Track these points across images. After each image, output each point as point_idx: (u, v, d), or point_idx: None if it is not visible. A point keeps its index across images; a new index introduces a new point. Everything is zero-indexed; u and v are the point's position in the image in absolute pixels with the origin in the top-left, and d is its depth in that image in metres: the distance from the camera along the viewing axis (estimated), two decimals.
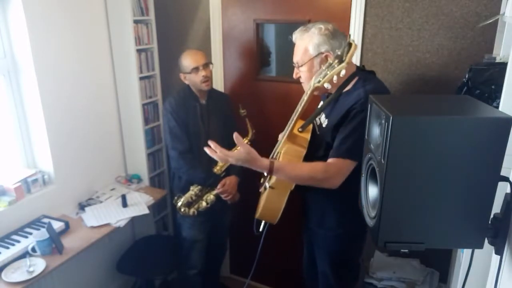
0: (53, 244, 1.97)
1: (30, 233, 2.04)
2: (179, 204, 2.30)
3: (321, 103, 1.85)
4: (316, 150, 1.67)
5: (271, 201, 1.66)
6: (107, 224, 2.25)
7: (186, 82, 2.27)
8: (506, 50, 1.65)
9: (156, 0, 2.61)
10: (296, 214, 1.86)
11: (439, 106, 1.05)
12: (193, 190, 2.29)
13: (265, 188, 1.71)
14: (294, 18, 2.34)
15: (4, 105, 2.12)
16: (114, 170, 2.75)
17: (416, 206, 0.95)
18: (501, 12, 1.81)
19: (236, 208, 2.54)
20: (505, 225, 0.95)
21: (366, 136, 1.16)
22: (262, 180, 1.84)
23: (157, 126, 2.79)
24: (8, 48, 2.08)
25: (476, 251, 1.06)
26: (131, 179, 2.73)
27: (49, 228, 1.98)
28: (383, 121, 0.95)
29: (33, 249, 1.94)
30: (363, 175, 1.18)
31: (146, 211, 2.42)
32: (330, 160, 1.56)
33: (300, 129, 1.68)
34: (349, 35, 1.49)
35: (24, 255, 1.93)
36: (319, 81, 1.48)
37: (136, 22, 2.47)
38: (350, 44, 1.45)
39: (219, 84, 2.66)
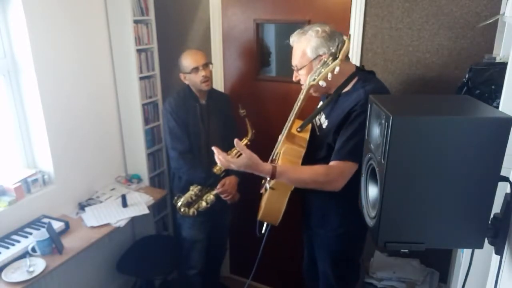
0: (53, 244, 1.97)
1: (30, 233, 2.04)
2: (179, 204, 2.30)
3: (321, 103, 1.85)
4: (316, 151, 1.67)
5: (272, 202, 1.66)
6: (107, 224, 2.25)
7: (186, 82, 2.27)
8: (506, 50, 1.65)
9: (156, 0, 2.61)
10: (296, 214, 1.85)
11: (439, 106, 1.05)
12: (193, 190, 2.29)
13: (265, 189, 1.71)
14: (294, 18, 2.34)
15: (4, 105, 2.12)
16: (114, 170, 2.75)
17: (416, 206, 0.95)
18: (501, 12, 1.81)
19: (236, 208, 2.53)
20: (505, 225, 0.95)
21: (366, 136, 1.16)
22: (263, 181, 1.84)
23: (157, 126, 2.79)
24: (8, 48, 2.08)
25: (476, 251, 1.06)
26: (131, 179, 2.73)
27: (49, 228, 1.98)
28: (383, 121, 0.95)
29: (33, 249, 1.94)
30: (363, 175, 1.18)
31: (146, 211, 2.42)
32: (332, 162, 1.56)
33: (298, 129, 1.68)
34: (349, 36, 1.49)
35: (24, 255, 1.93)
36: (314, 79, 1.48)
37: (136, 22, 2.47)
38: (344, 41, 1.45)
39: (219, 84, 2.66)
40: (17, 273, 1.83)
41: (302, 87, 1.70)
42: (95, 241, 2.13)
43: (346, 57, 1.56)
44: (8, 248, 1.93)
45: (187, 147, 2.26)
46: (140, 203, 2.47)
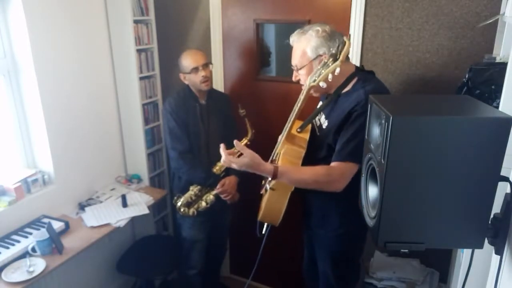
0: (53, 244, 1.97)
1: (30, 233, 2.04)
2: (179, 204, 2.30)
3: (320, 103, 1.85)
4: (316, 151, 1.67)
5: (272, 203, 1.66)
6: (107, 224, 2.25)
7: (186, 82, 2.27)
8: (506, 50, 1.65)
9: (156, 0, 2.61)
10: (296, 214, 1.85)
11: (439, 106, 1.05)
12: (193, 190, 2.29)
13: (265, 190, 1.71)
14: (294, 18, 2.34)
15: (4, 105, 2.12)
16: (114, 170, 2.75)
17: (416, 206, 0.95)
18: (501, 12, 1.81)
19: (236, 208, 2.53)
20: (505, 225, 0.95)
21: (366, 136, 1.16)
22: (263, 182, 1.84)
23: (157, 126, 2.79)
24: (8, 48, 2.08)
25: (476, 251, 1.06)
26: (131, 179, 2.73)
27: (49, 228, 1.98)
28: (383, 121, 0.95)
29: (33, 249, 1.94)
30: (363, 175, 1.18)
31: (146, 211, 2.42)
32: (333, 163, 1.56)
33: (298, 130, 1.68)
34: (349, 35, 1.49)
35: (24, 255, 1.93)
36: (314, 80, 1.48)
37: (136, 22, 2.47)
38: (345, 42, 1.45)
39: (219, 84, 2.66)
40: (17, 273, 1.83)
41: (302, 87, 1.69)
42: (95, 241, 2.13)
43: (346, 58, 1.56)
44: (8, 248, 1.93)
45: (187, 147, 2.26)
46: (140, 203, 2.47)
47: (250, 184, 2.01)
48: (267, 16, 2.43)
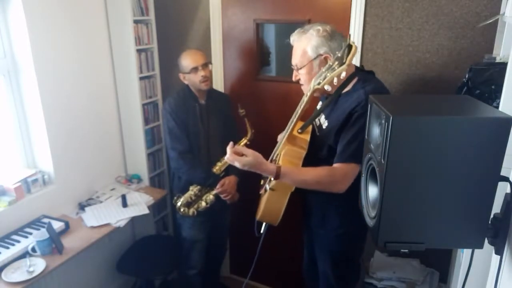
0: (53, 244, 1.97)
1: (30, 233, 2.04)
2: (179, 204, 2.30)
3: (320, 103, 1.84)
4: (316, 152, 1.67)
5: (272, 203, 1.66)
6: (107, 224, 2.25)
7: (186, 82, 2.27)
8: (506, 50, 1.65)
9: (156, 0, 2.61)
10: (296, 214, 1.85)
11: (439, 106, 1.05)
12: (193, 190, 2.29)
13: (265, 190, 1.71)
14: (294, 18, 2.34)
15: (4, 105, 2.12)
16: (114, 170, 2.75)
17: (416, 206, 0.95)
18: (501, 12, 1.81)
19: (236, 208, 2.53)
20: (505, 225, 0.95)
21: (366, 136, 1.16)
22: (262, 182, 1.84)
23: (157, 126, 2.79)
24: (8, 48, 2.08)
25: (476, 251, 1.06)
26: (131, 179, 2.73)
27: (49, 228, 1.98)
28: (383, 121, 0.95)
29: (33, 249, 1.94)
30: (363, 175, 1.18)
31: (146, 211, 2.42)
32: (335, 165, 1.57)
33: (299, 131, 1.68)
34: (349, 35, 1.49)
35: (24, 255, 1.93)
36: (319, 83, 1.47)
37: (136, 22, 2.47)
38: (350, 46, 1.44)
39: (219, 84, 2.66)
40: (17, 273, 1.83)
41: (302, 87, 1.69)
42: (95, 241, 2.13)
43: None
44: (8, 248, 1.93)
45: (187, 147, 2.26)
46: (140, 203, 2.47)
47: (250, 184, 2.01)
48: (267, 16, 2.43)
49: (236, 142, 2.32)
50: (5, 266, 1.85)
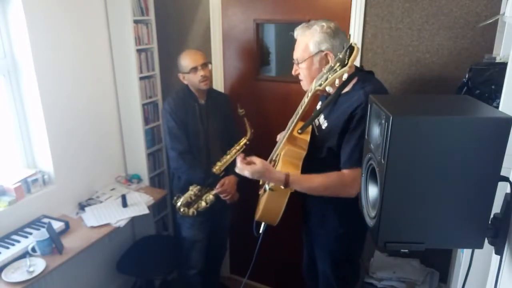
0: (53, 244, 1.97)
1: (30, 233, 2.04)
2: (179, 204, 2.30)
3: (319, 103, 1.84)
4: (316, 152, 1.67)
5: (271, 203, 1.66)
6: (107, 224, 2.25)
7: (185, 82, 2.27)
8: (506, 50, 1.65)
9: (156, 0, 2.61)
10: (296, 214, 1.85)
11: (439, 106, 1.05)
12: (192, 190, 2.29)
13: (264, 190, 1.71)
14: (294, 18, 2.34)
15: (4, 105, 2.12)
16: (114, 170, 2.75)
17: (416, 206, 0.95)
18: (501, 12, 1.81)
19: (235, 208, 2.53)
20: (505, 225, 0.95)
21: (366, 136, 1.16)
22: (261, 182, 1.84)
23: (157, 126, 2.79)
24: (8, 48, 2.08)
25: (476, 251, 1.06)
26: (131, 179, 2.73)
27: (49, 228, 1.98)
28: (383, 121, 0.95)
29: (33, 249, 1.94)
30: (363, 175, 1.18)
31: (146, 211, 2.42)
32: (344, 171, 1.57)
33: (299, 131, 1.68)
34: (349, 35, 1.49)
35: (24, 255, 1.93)
36: (320, 85, 1.47)
37: (136, 22, 2.47)
38: (351, 47, 1.44)
39: (219, 84, 2.66)
40: (17, 273, 1.83)
41: (301, 83, 1.69)
42: (95, 241, 2.13)
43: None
44: (8, 248, 1.93)
45: (187, 147, 2.26)
46: (140, 203, 2.47)
47: (249, 184, 2.01)
48: (267, 16, 2.44)
49: (235, 142, 2.34)
50: (5, 266, 1.85)
